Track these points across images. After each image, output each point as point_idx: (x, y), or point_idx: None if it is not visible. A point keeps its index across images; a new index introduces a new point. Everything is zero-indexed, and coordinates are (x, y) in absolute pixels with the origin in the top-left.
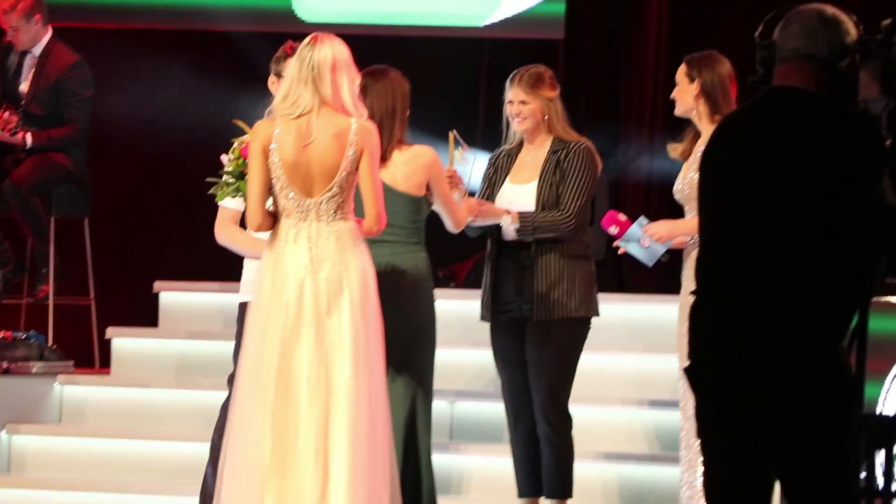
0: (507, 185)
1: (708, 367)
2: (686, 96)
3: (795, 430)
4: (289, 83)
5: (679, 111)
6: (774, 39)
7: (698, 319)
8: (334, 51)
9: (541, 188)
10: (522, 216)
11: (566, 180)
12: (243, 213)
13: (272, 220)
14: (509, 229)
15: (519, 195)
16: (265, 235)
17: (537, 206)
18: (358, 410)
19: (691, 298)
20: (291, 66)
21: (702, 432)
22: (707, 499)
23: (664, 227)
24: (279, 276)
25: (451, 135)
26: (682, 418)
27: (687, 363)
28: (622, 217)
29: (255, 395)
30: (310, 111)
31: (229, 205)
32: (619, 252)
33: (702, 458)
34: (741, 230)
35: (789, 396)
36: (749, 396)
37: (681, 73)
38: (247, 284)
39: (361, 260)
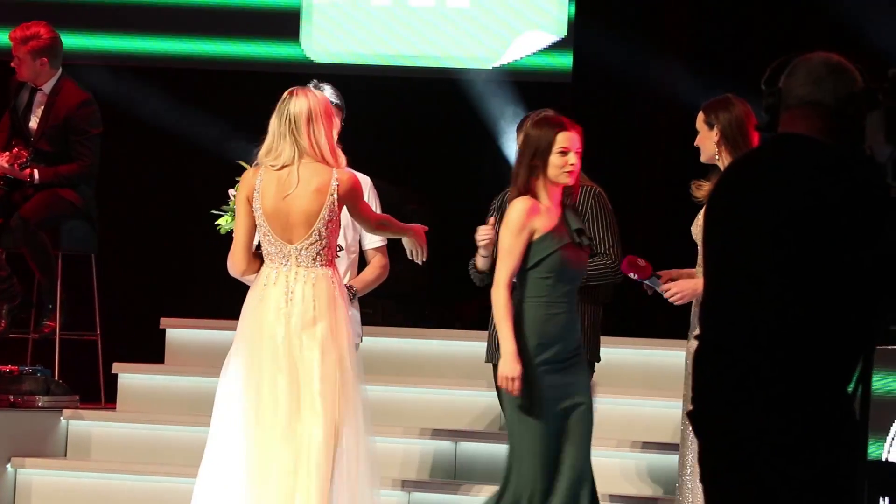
0: None
1: (711, 412)
2: (708, 143)
3: (799, 476)
4: (270, 137)
5: (704, 158)
6: (780, 86)
7: (701, 364)
8: (310, 103)
9: None
10: None
11: (595, 228)
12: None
13: (259, 264)
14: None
15: None
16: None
17: None
18: (327, 448)
19: (696, 343)
20: (272, 121)
21: (704, 477)
22: None
23: (687, 288)
24: (259, 316)
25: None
26: (679, 462)
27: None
28: (641, 262)
29: (231, 430)
30: (291, 163)
31: None
32: (649, 293)
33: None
34: (744, 275)
35: (792, 442)
36: (752, 441)
37: (700, 121)
38: None
39: (336, 303)
